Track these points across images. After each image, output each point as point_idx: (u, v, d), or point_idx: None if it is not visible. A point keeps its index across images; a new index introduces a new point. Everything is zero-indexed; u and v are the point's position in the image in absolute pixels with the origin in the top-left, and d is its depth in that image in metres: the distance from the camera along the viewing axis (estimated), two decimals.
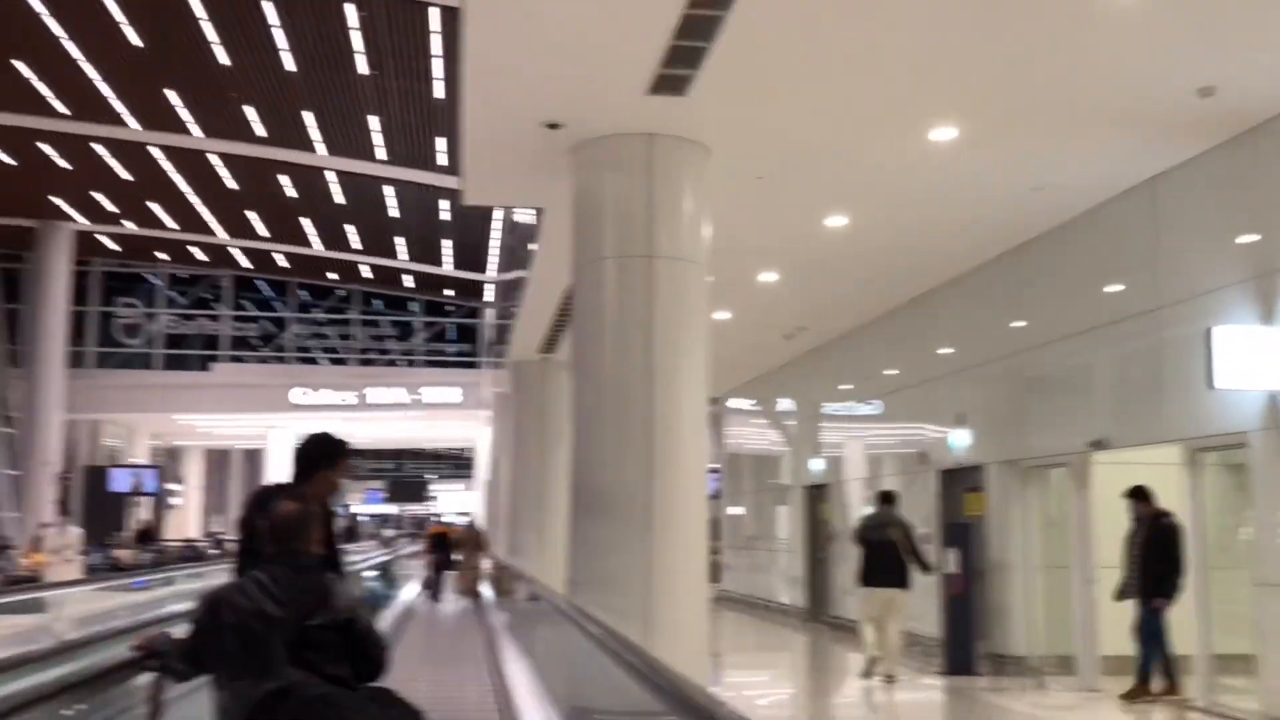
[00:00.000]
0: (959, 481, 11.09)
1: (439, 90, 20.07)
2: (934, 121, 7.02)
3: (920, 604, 10.35)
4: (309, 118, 22.01)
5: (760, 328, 12.85)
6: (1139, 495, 8.62)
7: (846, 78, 6.43)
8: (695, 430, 7.12)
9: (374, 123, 22.12)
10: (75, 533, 11.96)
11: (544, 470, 16.67)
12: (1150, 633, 8.35)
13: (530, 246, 11.76)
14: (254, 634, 2.93)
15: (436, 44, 18.13)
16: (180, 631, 3.23)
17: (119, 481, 30.35)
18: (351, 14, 17.36)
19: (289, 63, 19.30)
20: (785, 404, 17.62)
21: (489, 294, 35.59)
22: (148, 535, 25.59)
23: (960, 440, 11.00)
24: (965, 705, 9.44)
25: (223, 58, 19.19)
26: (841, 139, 7.38)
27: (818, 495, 15.70)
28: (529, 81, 6.41)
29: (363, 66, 19.37)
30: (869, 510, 11.03)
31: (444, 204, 27.51)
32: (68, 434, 36.85)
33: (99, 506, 33.43)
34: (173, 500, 43.82)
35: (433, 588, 17.68)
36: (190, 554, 27.53)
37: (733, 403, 20.30)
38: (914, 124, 7.04)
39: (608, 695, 4.07)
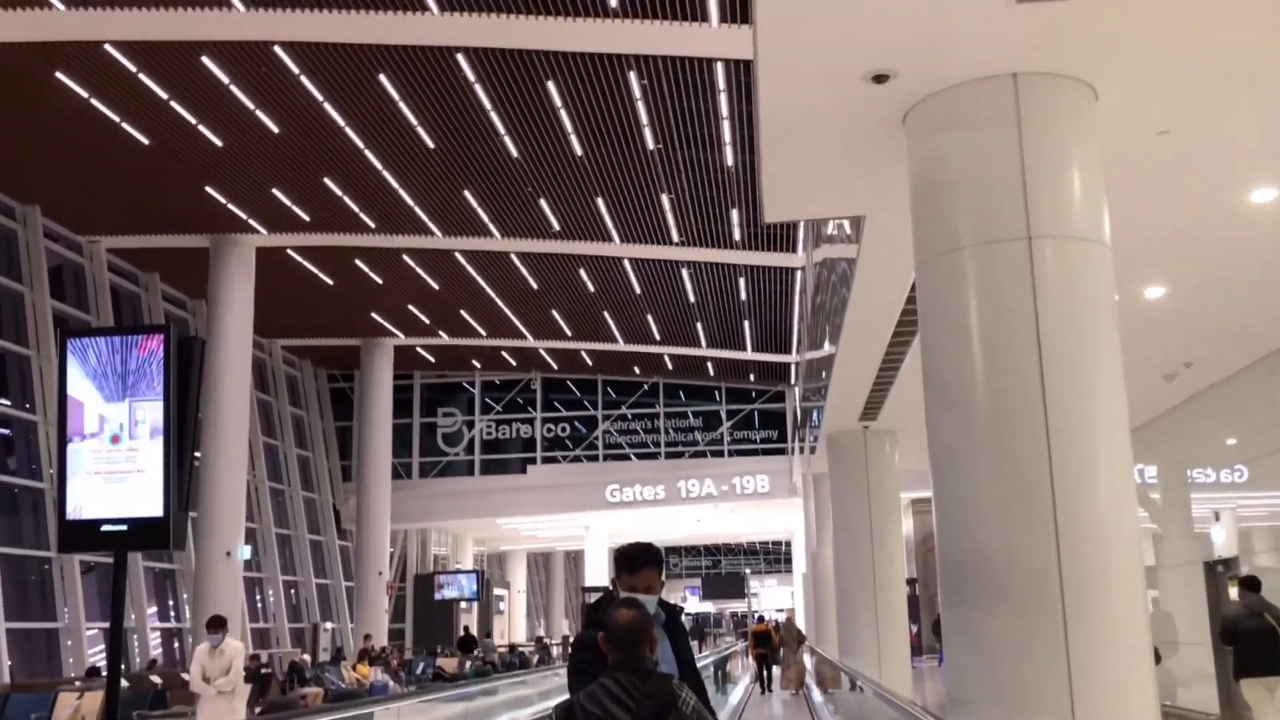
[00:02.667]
0: None
1: (730, 157, 19.00)
2: None
3: None
4: (601, 204, 21.55)
5: (1131, 366, 10.35)
6: None
7: None
8: (1115, 473, 5.04)
9: (665, 202, 21.34)
10: (235, 649, 11.41)
11: (876, 555, 14.66)
12: None
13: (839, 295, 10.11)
14: None
15: (725, 104, 17.06)
16: None
17: (443, 590, 30.65)
18: (634, 83, 16.60)
19: (577, 146, 18.85)
20: (1160, 463, 14.76)
21: (793, 375, 34.01)
22: (469, 643, 25.43)
23: None
24: None
25: (512, 149, 19.02)
26: None
27: (1225, 572, 12.73)
28: (844, 16, 4.79)
29: (650, 141, 18.61)
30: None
31: (742, 282, 26.36)
32: (400, 544, 38.41)
33: (427, 614, 34.24)
34: (499, 605, 44.67)
35: (761, 682, 19.91)
36: (515, 661, 27.14)
37: None
38: None
39: None
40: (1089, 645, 4.74)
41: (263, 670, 17.36)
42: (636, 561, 3.65)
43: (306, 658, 18.89)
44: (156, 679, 16.77)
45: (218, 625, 11.46)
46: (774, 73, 5.12)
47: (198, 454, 24.72)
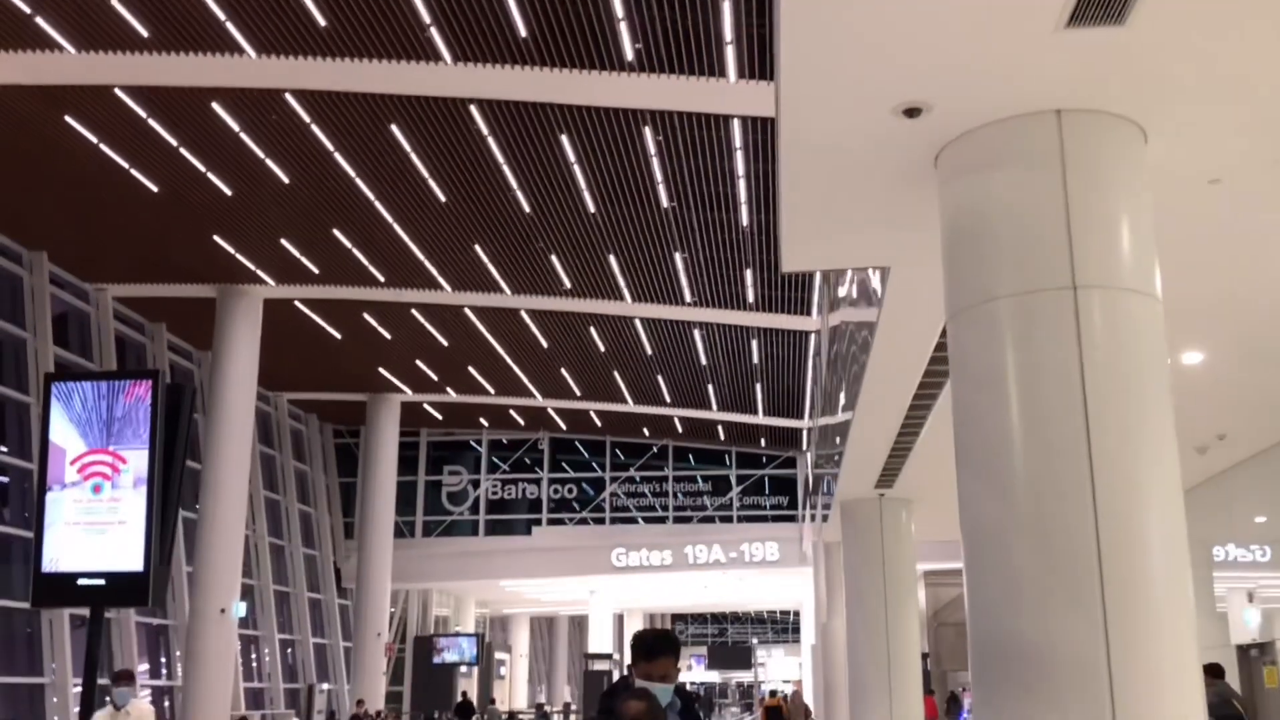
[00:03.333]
0: None
1: (745, 217, 18.70)
2: None
3: None
4: (613, 262, 21.23)
5: None
6: None
7: None
8: (1170, 550, 4.51)
9: (679, 261, 21.02)
10: (141, 712, 10.52)
11: (890, 628, 14.03)
12: None
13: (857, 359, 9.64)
14: None
15: (741, 162, 16.78)
16: None
17: (443, 654, 29.90)
18: (649, 139, 16.34)
19: (590, 203, 18.57)
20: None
21: (804, 441, 33.42)
22: (467, 709, 24.65)
23: None
24: None
25: (524, 204, 18.76)
26: None
27: (1260, 656, 12.08)
28: (874, 39, 4.39)
29: (664, 199, 18.33)
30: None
31: (755, 344, 25.96)
32: (401, 605, 37.64)
33: (426, 678, 33.38)
34: (500, 670, 43.68)
35: None
36: None
37: None
38: None
39: None
40: None
41: None
42: (654, 649, 3.68)
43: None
44: None
45: (124, 680, 10.17)
46: (796, 100, 4.71)
47: (197, 507, 24.35)
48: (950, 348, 5.13)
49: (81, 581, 9.51)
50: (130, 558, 9.33)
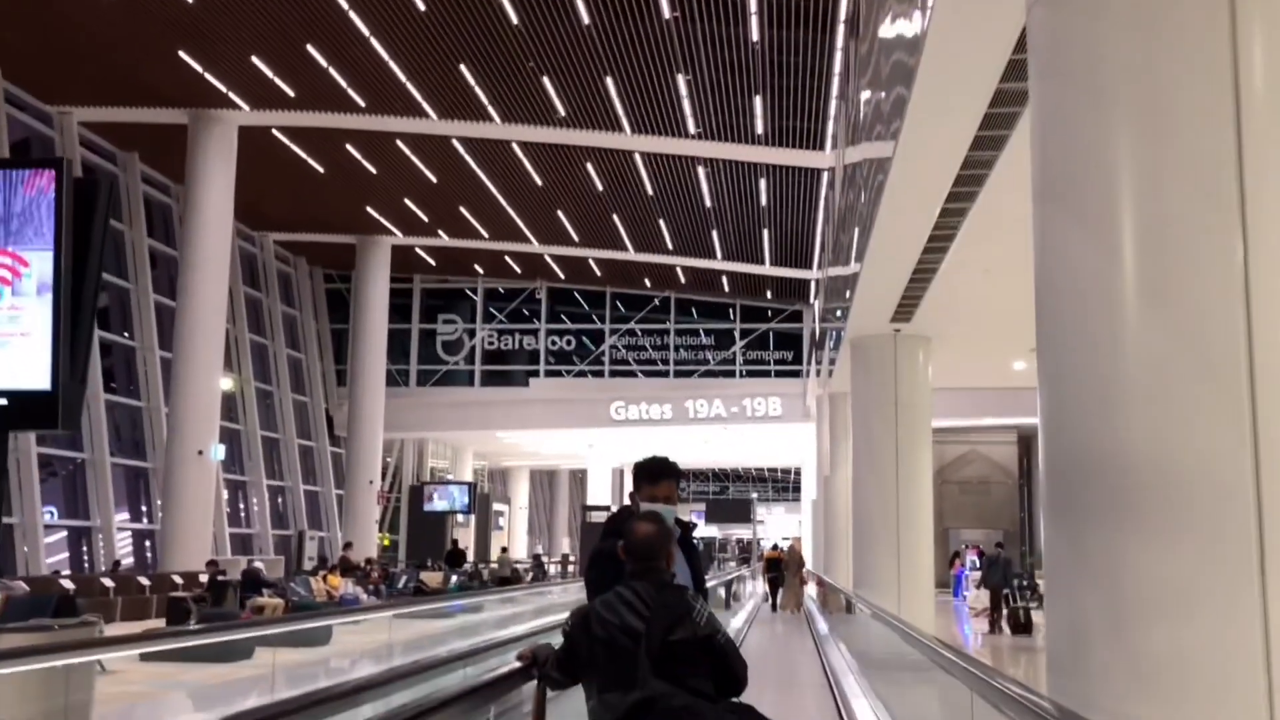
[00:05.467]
0: None
1: (755, 30, 16.95)
2: None
3: None
4: (610, 85, 19.50)
5: None
6: None
7: None
8: None
9: (682, 84, 19.29)
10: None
11: (900, 478, 12.94)
12: None
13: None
14: (621, 647, 3.09)
15: None
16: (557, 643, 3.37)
17: (434, 501, 29.21)
18: None
19: (584, 14, 16.80)
20: None
21: (812, 293, 32.07)
22: (458, 557, 24.02)
23: None
24: None
25: (512, 15, 17.00)
26: None
27: None
28: None
29: (666, 9, 16.55)
30: None
31: (763, 184, 24.36)
32: (397, 454, 36.96)
33: (421, 528, 32.85)
34: (499, 521, 43.39)
35: (771, 602, 22.45)
36: (507, 577, 25.72)
37: None
38: None
39: None
40: None
41: (219, 578, 15.88)
42: (657, 472, 3.68)
43: (260, 565, 17.38)
44: (70, 584, 15.29)
45: None
46: None
47: (125, 334, 23.19)
48: (1032, 41, 3.69)
49: None
50: (35, 374, 8.05)
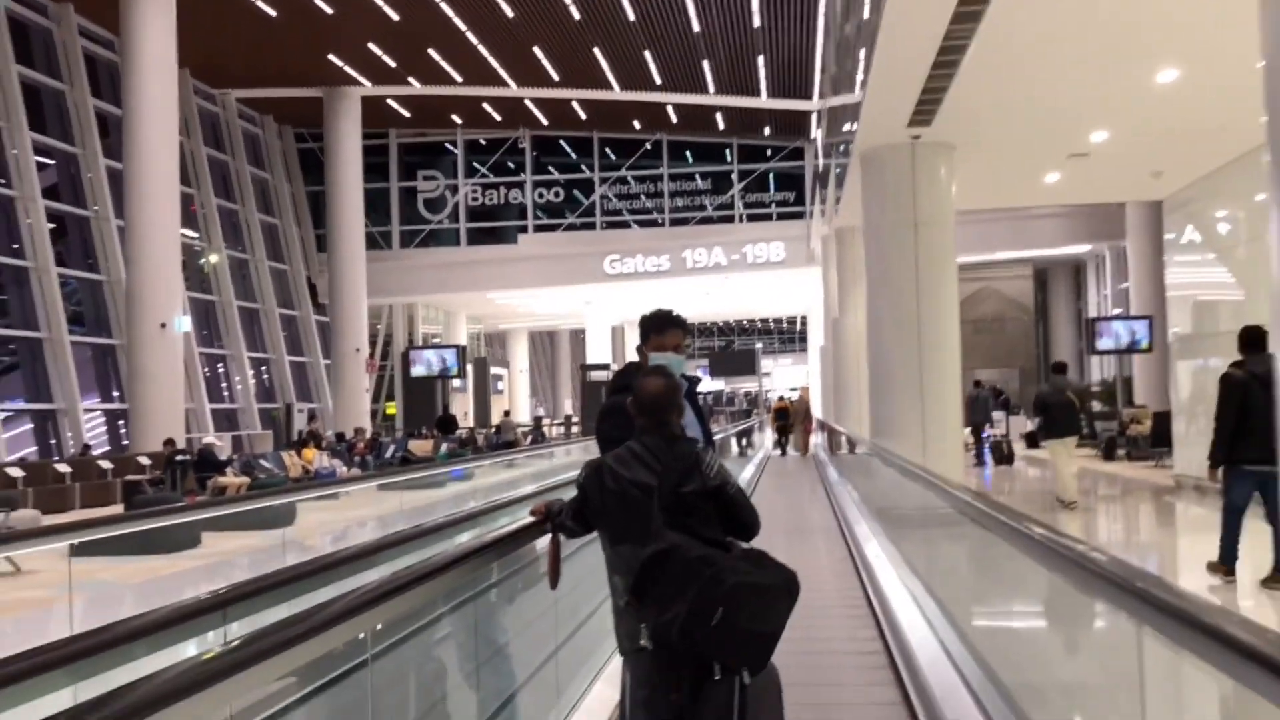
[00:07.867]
0: None
1: None
2: None
3: None
4: None
5: None
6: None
7: None
8: None
9: None
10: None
11: (924, 313, 11.42)
12: None
13: None
14: (632, 499, 3.14)
15: None
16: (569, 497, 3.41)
17: (422, 365, 27.88)
18: None
19: None
20: None
21: (813, 127, 30.00)
22: (449, 423, 22.78)
23: None
24: None
25: None
26: None
27: None
28: None
29: None
30: None
31: (755, 3, 22.17)
32: (386, 320, 35.49)
33: (418, 395, 31.62)
34: (498, 385, 42.23)
35: (781, 447, 24.09)
36: (510, 440, 24.57)
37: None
38: None
39: None
40: None
41: (178, 458, 14.59)
42: (663, 322, 3.69)
43: (214, 440, 16.09)
44: (18, 471, 13.99)
45: None
46: None
47: (95, 208, 21.53)
48: None
49: None
50: None
